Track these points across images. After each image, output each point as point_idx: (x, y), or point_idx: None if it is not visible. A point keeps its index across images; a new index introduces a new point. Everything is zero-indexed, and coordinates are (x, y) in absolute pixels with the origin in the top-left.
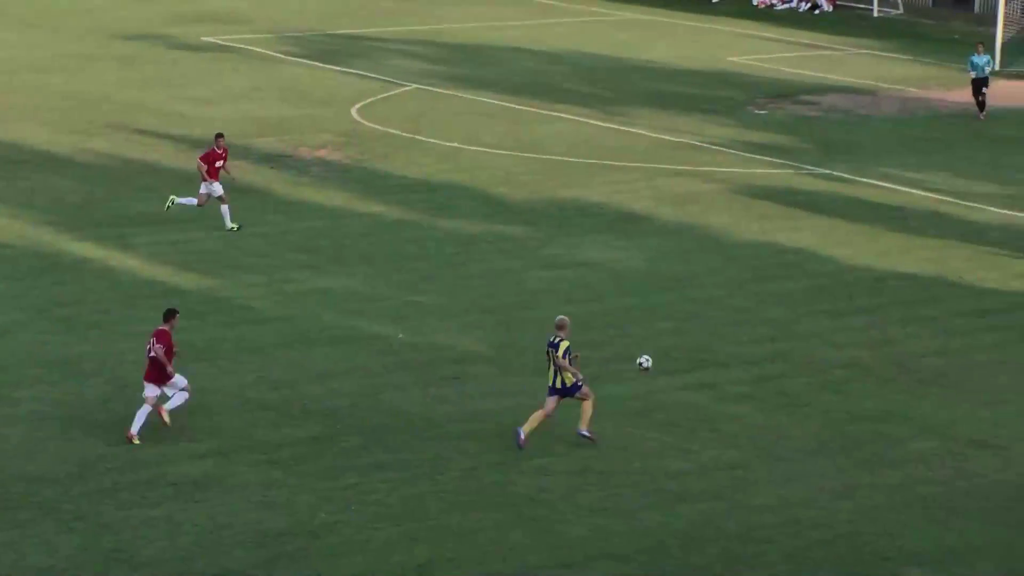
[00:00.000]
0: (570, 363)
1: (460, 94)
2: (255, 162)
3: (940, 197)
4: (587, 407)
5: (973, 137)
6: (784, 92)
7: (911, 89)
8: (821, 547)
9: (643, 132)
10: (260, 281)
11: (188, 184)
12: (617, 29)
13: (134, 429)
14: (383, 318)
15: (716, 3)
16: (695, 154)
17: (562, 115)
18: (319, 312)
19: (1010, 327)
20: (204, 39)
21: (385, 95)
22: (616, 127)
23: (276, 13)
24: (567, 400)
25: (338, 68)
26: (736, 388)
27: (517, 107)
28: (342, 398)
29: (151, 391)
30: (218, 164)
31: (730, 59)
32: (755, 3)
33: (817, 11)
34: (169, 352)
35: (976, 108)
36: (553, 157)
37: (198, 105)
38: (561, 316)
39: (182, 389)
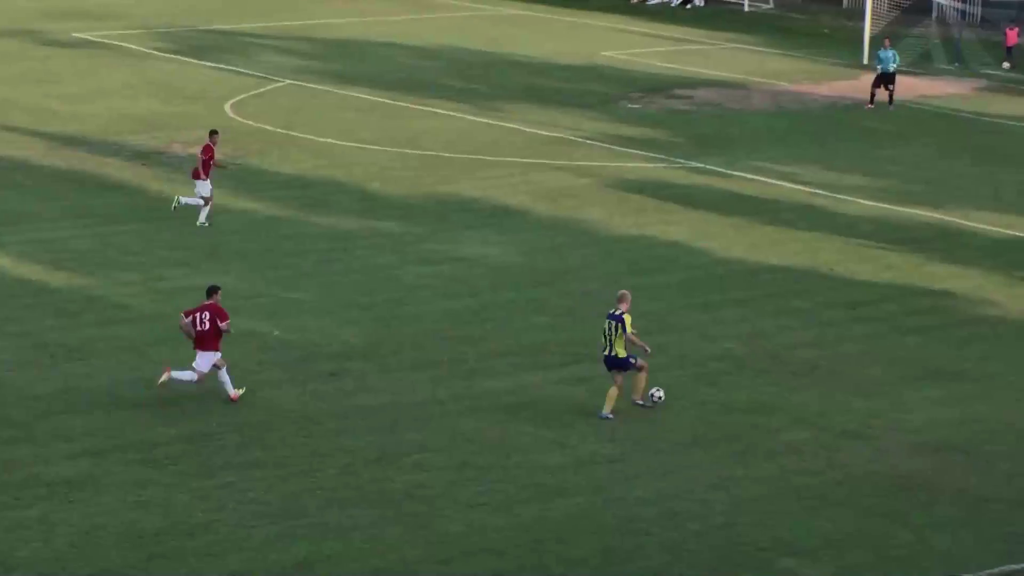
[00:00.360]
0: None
1: (334, 90)
2: (127, 159)
3: (811, 190)
4: (640, 379)
5: (843, 130)
6: (657, 86)
7: (782, 83)
8: (698, 539)
9: (518, 127)
10: (134, 279)
11: (58, 182)
12: (492, 24)
13: (231, 392)
14: (259, 315)
15: None
16: (570, 149)
17: (437, 110)
18: None
19: (881, 319)
20: (75, 35)
21: (259, 91)
22: (491, 122)
23: (148, 9)
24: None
25: (211, 64)
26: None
27: (392, 102)
28: (218, 396)
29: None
30: (212, 162)
31: (604, 54)
32: None
33: (689, 6)
34: (224, 321)
35: (869, 99)
36: (429, 152)
37: (70, 102)
38: (622, 290)
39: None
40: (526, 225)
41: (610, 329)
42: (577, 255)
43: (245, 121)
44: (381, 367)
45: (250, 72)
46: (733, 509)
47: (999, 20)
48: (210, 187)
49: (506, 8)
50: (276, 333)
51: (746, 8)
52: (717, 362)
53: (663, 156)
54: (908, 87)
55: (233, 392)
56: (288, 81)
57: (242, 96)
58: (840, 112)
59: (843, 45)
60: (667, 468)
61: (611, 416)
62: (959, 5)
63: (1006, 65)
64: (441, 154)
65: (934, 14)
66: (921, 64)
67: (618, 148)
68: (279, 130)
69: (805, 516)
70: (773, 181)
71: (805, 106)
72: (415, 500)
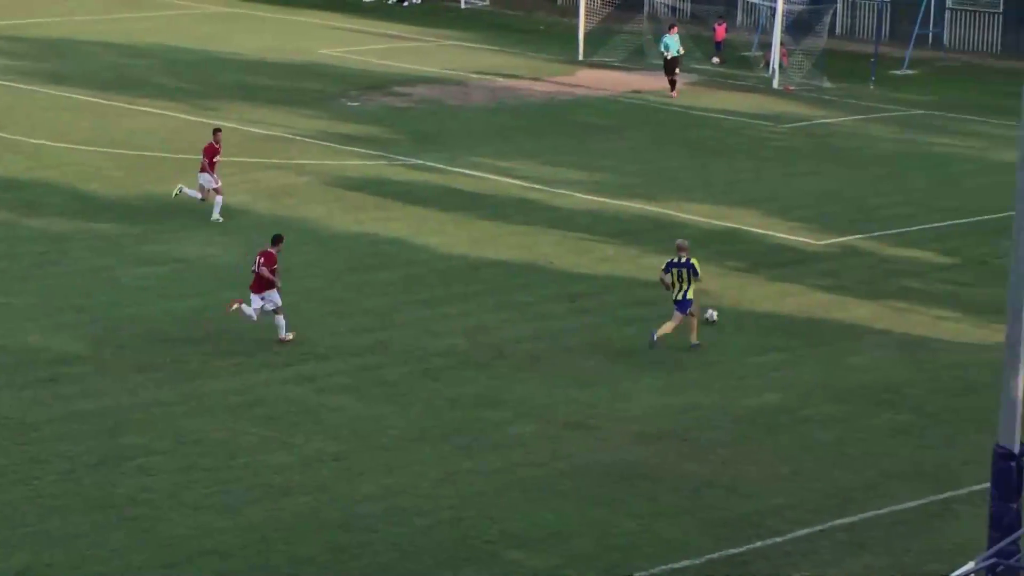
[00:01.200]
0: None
1: (44, 90)
2: None
3: (529, 184)
4: (694, 323)
5: (560, 125)
6: (375, 84)
7: (499, 79)
8: (425, 534)
9: (235, 126)
10: None
11: None
12: (203, 22)
13: (247, 311)
14: None
15: None
16: (288, 147)
17: (150, 110)
18: None
19: (599, 310)
20: None
21: None
22: (206, 121)
23: None
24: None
25: None
26: (337, 379)
27: (104, 102)
28: None
29: (255, 302)
30: (216, 159)
31: (321, 51)
32: None
33: (406, 3)
34: (274, 270)
35: (671, 88)
36: (144, 152)
37: None
38: (681, 239)
39: (276, 310)
40: (247, 224)
41: (680, 276)
42: (299, 253)
43: None
44: (101, 370)
45: None
46: (460, 503)
47: (708, 16)
48: (214, 179)
49: (216, 6)
50: None
51: (463, 5)
52: (441, 357)
53: (383, 153)
54: (621, 82)
55: (283, 334)
56: None
57: None
58: (556, 107)
59: (558, 41)
60: (393, 464)
61: (699, 343)
62: (669, 2)
63: (715, 60)
64: (156, 154)
65: (646, 10)
66: (634, 59)
67: (337, 146)
68: None
69: (531, 508)
70: (492, 176)
71: (522, 101)
72: (139, 504)
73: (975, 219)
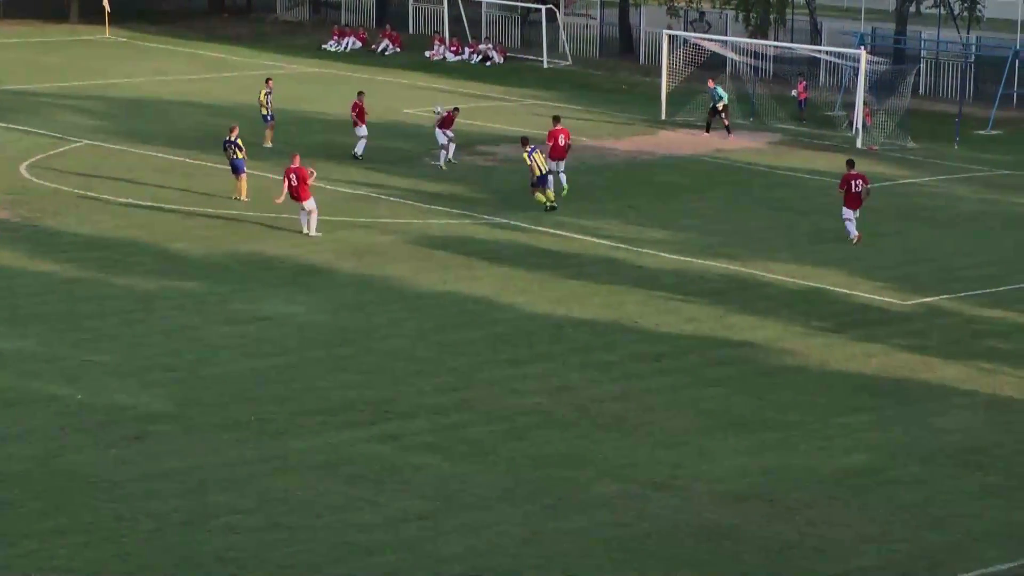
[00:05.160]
0: None
1: (132, 149)
2: None
3: (613, 244)
4: None
5: (643, 185)
6: (460, 143)
7: (582, 138)
8: None
9: (321, 185)
10: None
11: None
12: (288, 82)
13: None
14: (60, 379)
15: (388, 55)
16: (374, 206)
17: None
18: None
19: (684, 370)
20: None
21: (55, 152)
22: None
23: None
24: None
25: (4, 125)
26: (421, 438)
27: (190, 161)
28: (18, 463)
29: None
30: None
31: (405, 111)
32: (428, 56)
33: (489, 63)
34: None
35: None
36: (231, 211)
37: None
38: None
39: None
40: (331, 283)
41: None
42: (384, 312)
43: (41, 182)
44: (187, 429)
45: (45, 132)
46: (545, 563)
47: (789, 76)
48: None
49: (301, 66)
50: (79, 397)
51: (545, 65)
52: (525, 416)
53: (467, 212)
54: (704, 142)
55: None
56: (85, 141)
57: (37, 157)
58: (640, 166)
59: (641, 101)
60: (477, 524)
61: None
62: (751, 62)
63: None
64: (243, 212)
65: (728, 70)
66: (717, 119)
67: (422, 205)
68: (76, 191)
69: (616, 568)
70: (576, 235)
71: (606, 161)
72: (226, 563)
73: None
